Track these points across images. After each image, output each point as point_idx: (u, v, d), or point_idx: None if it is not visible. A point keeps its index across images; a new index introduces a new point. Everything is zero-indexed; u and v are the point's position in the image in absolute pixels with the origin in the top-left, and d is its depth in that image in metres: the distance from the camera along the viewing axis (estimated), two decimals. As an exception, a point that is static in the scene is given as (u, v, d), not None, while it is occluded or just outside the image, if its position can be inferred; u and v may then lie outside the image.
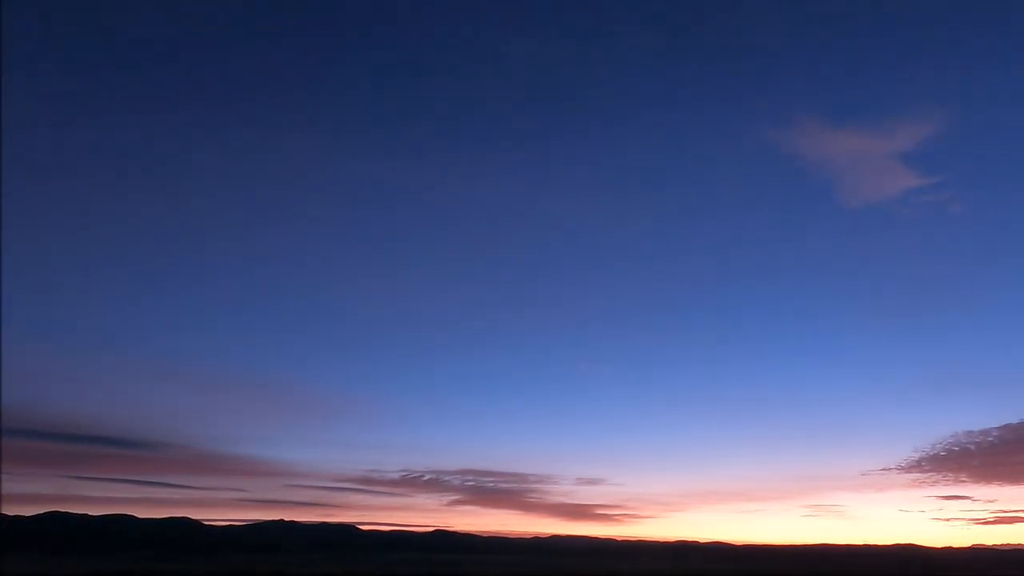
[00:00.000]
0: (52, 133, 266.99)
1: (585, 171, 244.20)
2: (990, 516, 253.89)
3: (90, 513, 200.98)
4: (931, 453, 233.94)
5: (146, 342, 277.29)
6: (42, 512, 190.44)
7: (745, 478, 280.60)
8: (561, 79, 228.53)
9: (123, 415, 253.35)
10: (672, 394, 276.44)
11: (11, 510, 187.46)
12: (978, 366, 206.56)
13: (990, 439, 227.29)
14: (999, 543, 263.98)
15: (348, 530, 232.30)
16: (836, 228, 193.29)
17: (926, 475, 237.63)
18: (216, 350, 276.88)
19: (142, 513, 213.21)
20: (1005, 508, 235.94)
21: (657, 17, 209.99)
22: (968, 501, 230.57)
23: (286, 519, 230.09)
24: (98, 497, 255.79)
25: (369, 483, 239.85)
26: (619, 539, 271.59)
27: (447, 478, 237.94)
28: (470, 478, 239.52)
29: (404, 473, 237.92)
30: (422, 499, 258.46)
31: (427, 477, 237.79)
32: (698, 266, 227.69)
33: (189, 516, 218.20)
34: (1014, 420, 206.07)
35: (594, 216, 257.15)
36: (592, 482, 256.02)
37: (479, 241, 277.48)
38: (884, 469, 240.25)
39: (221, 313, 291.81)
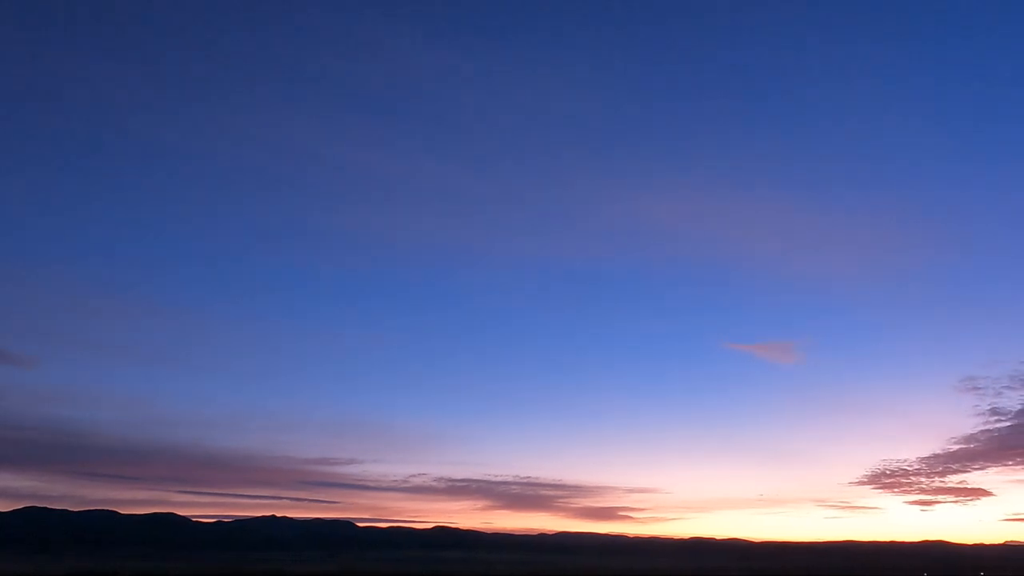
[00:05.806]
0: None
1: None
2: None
3: (70, 509, 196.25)
4: (949, 449, 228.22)
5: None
6: (19, 508, 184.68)
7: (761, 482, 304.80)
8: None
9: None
10: (699, 415, 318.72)
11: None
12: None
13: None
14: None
15: (345, 526, 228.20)
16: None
17: (946, 471, 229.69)
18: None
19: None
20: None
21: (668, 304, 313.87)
22: (992, 497, 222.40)
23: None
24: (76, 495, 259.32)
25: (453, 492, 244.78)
26: (630, 536, 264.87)
27: (492, 486, 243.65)
28: (513, 486, 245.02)
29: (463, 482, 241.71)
30: (459, 504, 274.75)
31: (474, 486, 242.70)
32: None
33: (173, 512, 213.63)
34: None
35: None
36: (640, 491, 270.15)
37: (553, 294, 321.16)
38: (902, 467, 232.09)
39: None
